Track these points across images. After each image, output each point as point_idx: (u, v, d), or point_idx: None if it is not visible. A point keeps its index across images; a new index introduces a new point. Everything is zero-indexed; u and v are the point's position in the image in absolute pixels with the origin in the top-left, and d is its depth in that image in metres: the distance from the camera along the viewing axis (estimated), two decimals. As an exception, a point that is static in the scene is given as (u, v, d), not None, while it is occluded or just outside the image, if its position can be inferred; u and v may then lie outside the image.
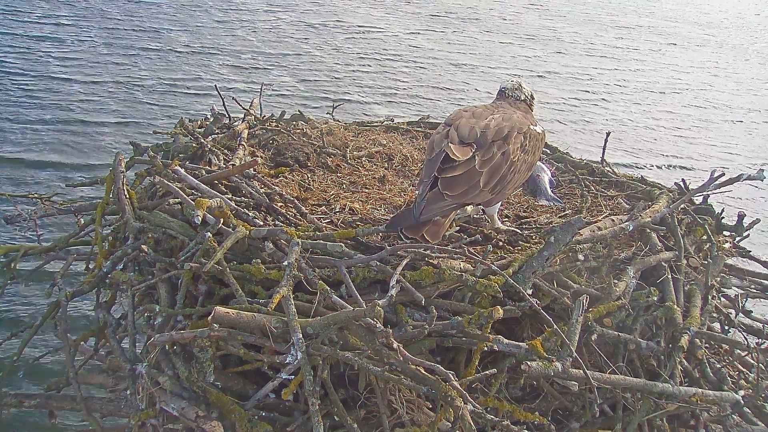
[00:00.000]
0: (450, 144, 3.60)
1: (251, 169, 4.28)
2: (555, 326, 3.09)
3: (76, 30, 14.84)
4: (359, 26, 19.72)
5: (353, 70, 15.33)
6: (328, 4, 21.89)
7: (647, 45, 22.35)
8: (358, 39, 18.41)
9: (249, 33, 17.12)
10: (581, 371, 3.04)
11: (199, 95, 11.76)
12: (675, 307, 3.65)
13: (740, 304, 4.45)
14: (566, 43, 21.05)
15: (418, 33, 19.85)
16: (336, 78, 14.80)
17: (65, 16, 15.66)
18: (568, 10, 26.93)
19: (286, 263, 3.16)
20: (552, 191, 4.75)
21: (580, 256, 3.70)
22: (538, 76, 16.73)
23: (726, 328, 4.37)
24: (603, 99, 15.86)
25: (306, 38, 17.48)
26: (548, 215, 4.44)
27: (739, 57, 22.92)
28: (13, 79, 11.72)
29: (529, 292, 3.32)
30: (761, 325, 4.40)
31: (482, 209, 3.97)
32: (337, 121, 6.34)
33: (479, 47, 19.13)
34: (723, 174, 4.44)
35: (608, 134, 5.79)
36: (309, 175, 4.73)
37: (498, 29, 21.55)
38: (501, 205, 4.19)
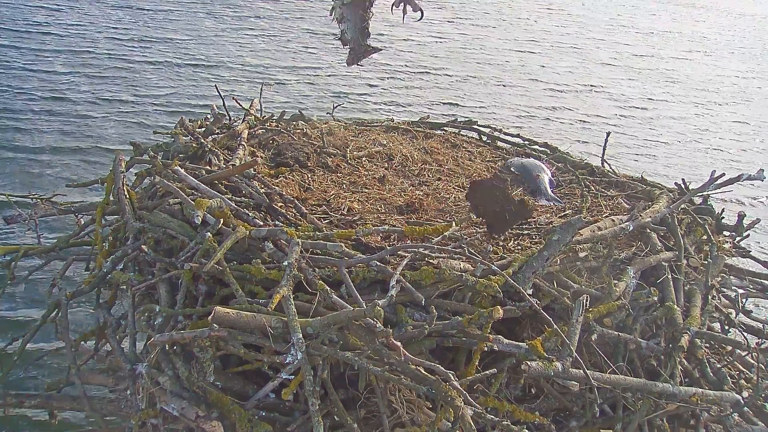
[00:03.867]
0: None
1: (251, 169, 4.28)
2: (555, 326, 3.09)
3: (82, 37, 14.83)
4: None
5: (356, 72, 15.29)
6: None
7: (673, 52, 21.92)
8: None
9: (252, 37, 17.09)
10: (581, 371, 3.05)
11: (203, 102, 11.73)
12: (675, 307, 3.65)
13: (740, 304, 4.45)
14: (583, 50, 20.67)
15: (424, 37, 19.75)
16: (337, 79, 14.77)
17: (70, 24, 15.67)
18: (587, 15, 26.43)
19: (286, 263, 3.16)
20: (552, 191, 4.75)
21: (581, 255, 3.70)
22: (557, 90, 16.37)
23: (726, 328, 4.37)
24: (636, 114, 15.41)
25: (309, 41, 17.43)
26: (548, 215, 4.44)
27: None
28: (18, 86, 11.74)
29: (529, 292, 3.32)
30: (761, 325, 4.40)
31: None
32: (338, 121, 6.33)
33: (487, 52, 18.96)
34: (723, 174, 4.45)
35: (608, 134, 5.81)
36: (309, 175, 4.74)
37: (509, 35, 21.33)
38: None
